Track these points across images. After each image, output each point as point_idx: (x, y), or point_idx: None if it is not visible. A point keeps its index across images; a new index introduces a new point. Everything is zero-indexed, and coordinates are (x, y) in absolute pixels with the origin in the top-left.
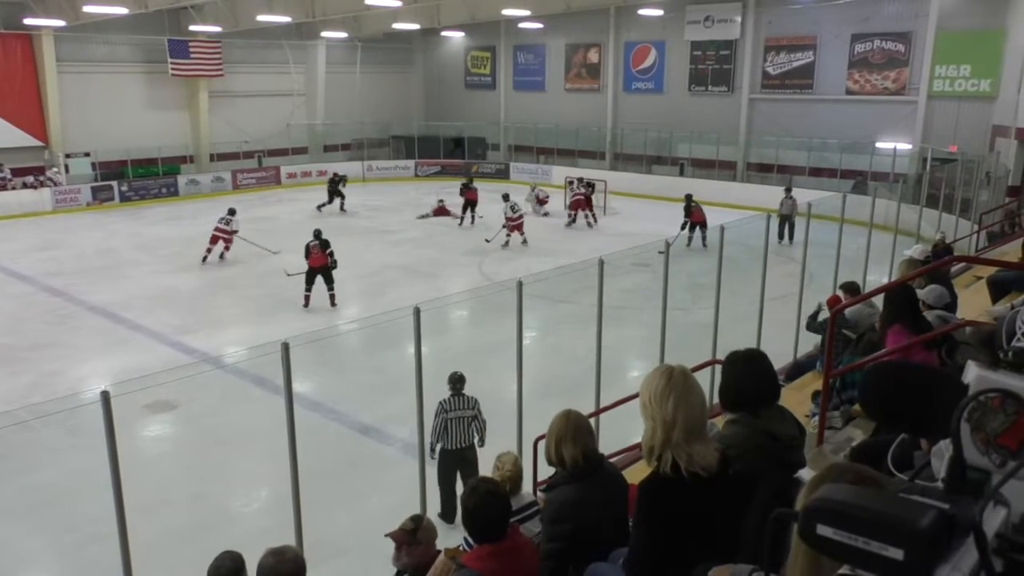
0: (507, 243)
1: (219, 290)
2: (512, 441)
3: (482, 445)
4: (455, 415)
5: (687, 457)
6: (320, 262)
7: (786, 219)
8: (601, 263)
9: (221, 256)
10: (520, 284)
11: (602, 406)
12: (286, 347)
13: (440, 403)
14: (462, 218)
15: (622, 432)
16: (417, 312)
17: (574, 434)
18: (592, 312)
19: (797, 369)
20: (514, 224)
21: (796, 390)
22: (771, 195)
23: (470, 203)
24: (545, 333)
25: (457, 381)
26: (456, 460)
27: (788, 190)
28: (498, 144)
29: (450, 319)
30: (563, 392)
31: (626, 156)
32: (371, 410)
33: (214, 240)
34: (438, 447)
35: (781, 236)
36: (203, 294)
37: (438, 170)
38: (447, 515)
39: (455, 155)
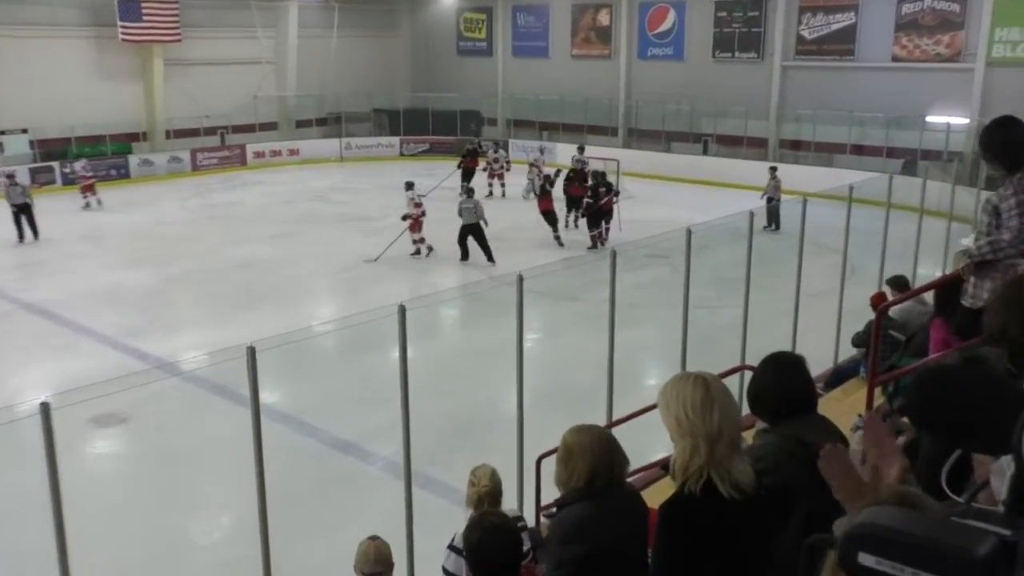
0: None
1: (176, 287)
2: (511, 458)
3: (487, 224)
4: (465, 206)
5: (727, 475)
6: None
7: (767, 200)
8: (613, 255)
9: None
10: (520, 279)
11: (615, 419)
12: (252, 352)
13: (459, 202)
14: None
15: (638, 448)
16: (402, 311)
17: (607, 447)
18: (603, 311)
19: (838, 376)
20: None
21: (837, 400)
22: (808, 176)
23: (467, 172)
24: (549, 335)
25: (469, 191)
26: (468, 230)
27: (773, 169)
28: (495, 118)
29: (440, 319)
30: (570, 402)
31: (641, 132)
32: (350, 424)
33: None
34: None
35: (770, 222)
36: (158, 291)
37: (427, 148)
38: (463, 257)
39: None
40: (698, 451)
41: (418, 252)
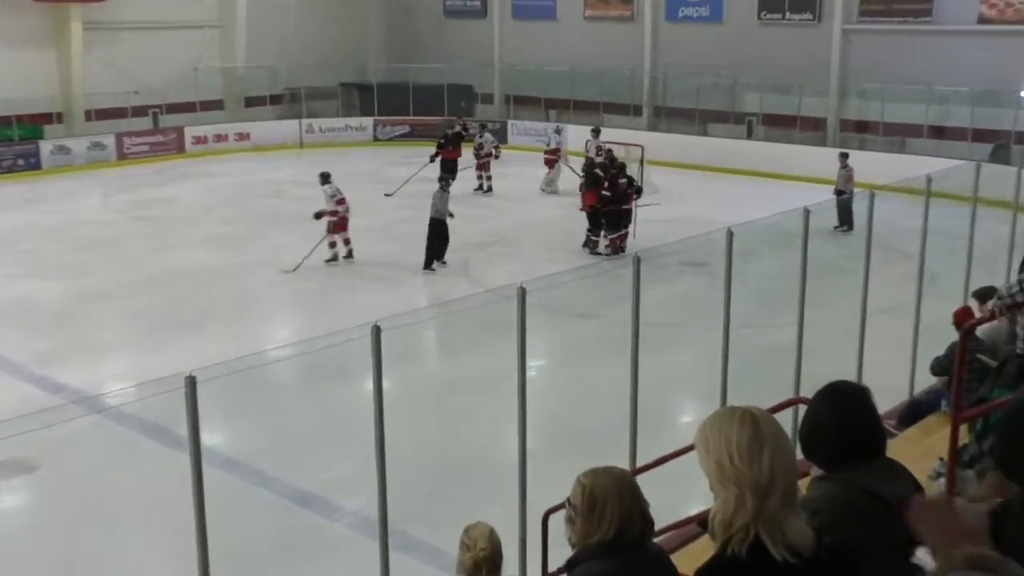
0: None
1: (97, 301)
2: (511, 514)
3: (451, 216)
4: (437, 197)
5: (779, 534)
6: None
7: (838, 194)
8: (637, 262)
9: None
10: (523, 292)
11: (639, 465)
12: (192, 382)
13: (433, 194)
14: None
15: (668, 501)
16: (377, 332)
17: (633, 490)
18: (624, 332)
19: (914, 410)
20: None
21: (912, 441)
22: (876, 165)
23: (447, 166)
24: (558, 361)
25: (443, 181)
26: (431, 226)
27: (844, 156)
28: (490, 94)
29: (423, 342)
30: (584, 445)
31: (671, 111)
32: (312, 471)
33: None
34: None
35: (842, 221)
36: (75, 308)
37: (407, 131)
38: (427, 265)
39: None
40: (744, 503)
41: (335, 259)
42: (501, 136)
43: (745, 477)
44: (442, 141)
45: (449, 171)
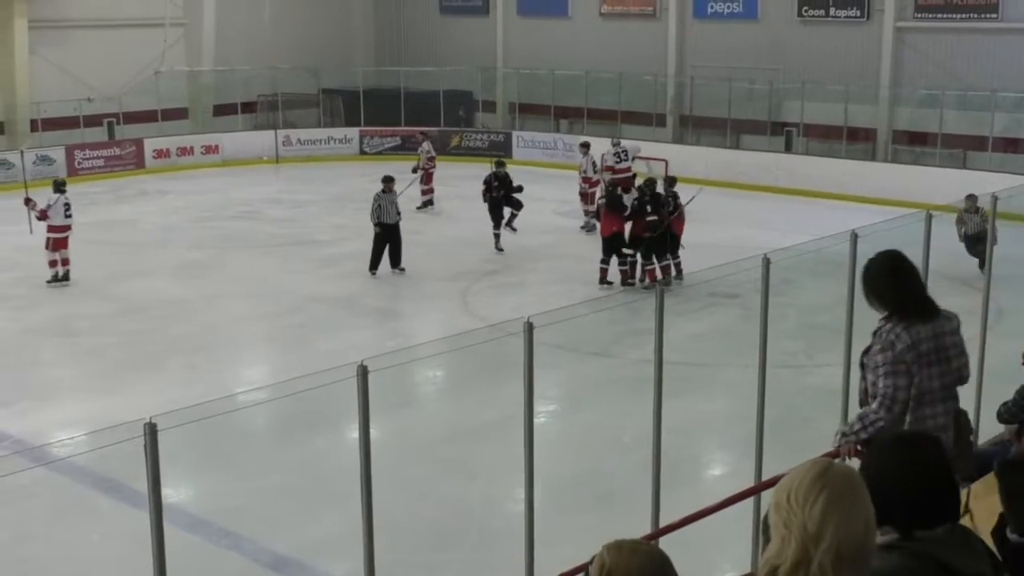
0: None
1: (45, 337)
2: None
3: (377, 228)
4: (387, 200)
5: None
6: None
7: (973, 240)
8: (660, 293)
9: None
10: (530, 327)
11: (662, 525)
12: (152, 430)
13: (375, 195)
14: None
15: (693, 567)
16: (364, 372)
17: (663, 572)
18: (645, 372)
19: (978, 463)
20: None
21: (976, 499)
22: (933, 182)
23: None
24: (570, 405)
25: (388, 180)
26: (390, 232)
27: (972, 199)
28: (493, 101)
29: (417, 384)
30: (599, 502)
31: (699, 121)
32: (289, 532)
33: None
34: (376, 221)
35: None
36: (19, 345)
37: (397, 143)
38: (372, 267)
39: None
40: (787, 546)
41: (55, 278)
42: (503, 147)
43: (794, 519)
44: (495, 183)
45: (501, 211)
